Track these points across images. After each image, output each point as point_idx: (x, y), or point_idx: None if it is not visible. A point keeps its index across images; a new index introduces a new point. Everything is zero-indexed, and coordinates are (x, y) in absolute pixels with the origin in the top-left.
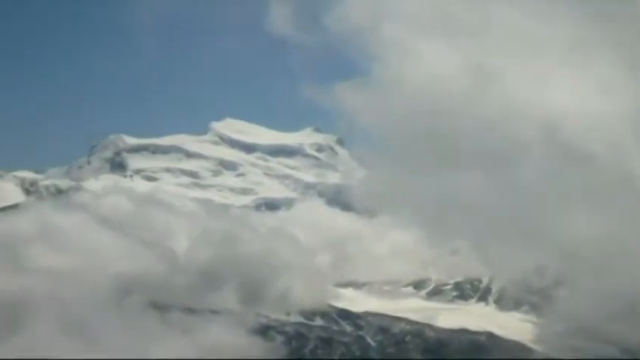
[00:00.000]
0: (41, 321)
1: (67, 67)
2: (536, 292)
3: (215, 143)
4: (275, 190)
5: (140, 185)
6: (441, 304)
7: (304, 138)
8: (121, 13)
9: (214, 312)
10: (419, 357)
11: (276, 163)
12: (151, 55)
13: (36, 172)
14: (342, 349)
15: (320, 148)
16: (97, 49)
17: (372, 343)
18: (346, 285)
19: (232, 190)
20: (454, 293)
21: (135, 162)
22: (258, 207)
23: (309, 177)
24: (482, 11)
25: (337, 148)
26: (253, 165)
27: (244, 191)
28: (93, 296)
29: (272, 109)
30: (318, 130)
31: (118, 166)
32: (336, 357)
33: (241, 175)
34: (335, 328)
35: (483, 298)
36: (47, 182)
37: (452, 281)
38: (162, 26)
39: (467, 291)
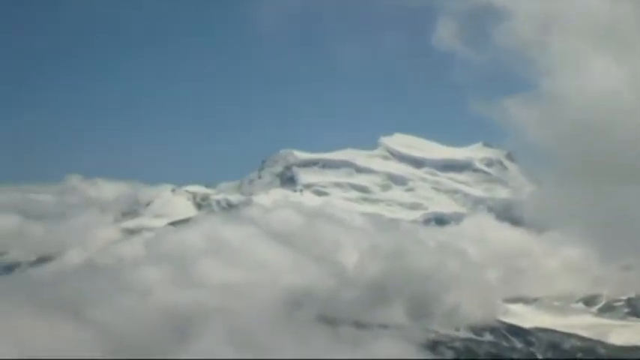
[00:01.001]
0: (211, 334)
1: (239, 83)
2: None
3: (385, 158)
4: (444, 205)
5: (310, 200)
6: (612, 320)
7: (474, 153)
8: (295, 28)
9: (383, 326)
10: None
11: (446, 178)
12: (321, 71)
13: (207, 186)
14: None
15: (490, 163)
16: (271, 65)
17: None
18: (516, 300)
19: (401, 204)
20: (626, 310)
21: (305, 176)
22: (427, 222)
23: (478, 192)
24: None
25: (507, 162)
26: (422, 180)
27: (413, 206)
28: (262, 310)
29: (441, 124)
30: (487, 144)
31: (288, 180)
32: None
33: (410, 189)
34: (504, 344)
35: None
36: (218, 196)
37: (624, 298)
38: (332, 42)
39: (639, 307)
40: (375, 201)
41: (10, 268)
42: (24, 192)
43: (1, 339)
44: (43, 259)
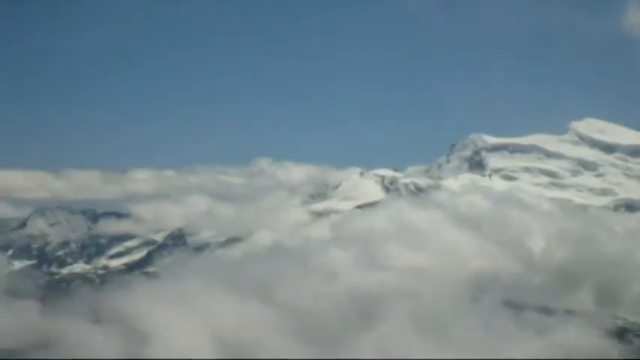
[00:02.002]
0: (395, 317)
1: (430, 67)
2: None
3: (575, 143)
4: (635, 191)
5: (498, 184)
6: None
7: None
8: (483, 10)
9: (569, 312)
10: None
11: (637, 164)
12: (510, 55)
13: (396, 170)
14: None
15: None
16: (461, 50)
17: None
18: None
19: (591, 190)
20: None
21: (494, 161)
22: (617, 208)
23: None
24: None
25: None
26: (613, 165)
27: (603, 192)
28: (447, 294)
29: (633, 109)
30: None
31: (476, 165)
32: None
33: (600, 175)
34: None
35: None
36: (406, 180)
37: None
38: (520, 27)
39: None
40: (564, 186)
41: (200, 249)
42: (215, 174)
43: (192, 317)
44: (232, 240)
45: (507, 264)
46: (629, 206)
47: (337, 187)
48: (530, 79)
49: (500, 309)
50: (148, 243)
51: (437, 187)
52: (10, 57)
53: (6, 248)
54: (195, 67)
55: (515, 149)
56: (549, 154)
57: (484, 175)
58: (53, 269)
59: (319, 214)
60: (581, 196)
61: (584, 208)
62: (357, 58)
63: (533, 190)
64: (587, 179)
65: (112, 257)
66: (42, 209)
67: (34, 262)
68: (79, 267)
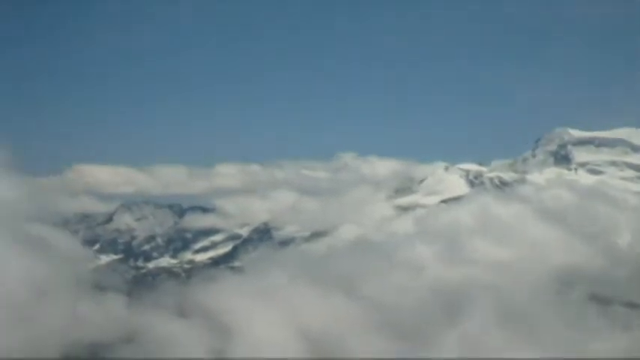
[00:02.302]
0: (480, 312)
1: (518, 61)
2: None
3: None
4: None
5: (584, 178)
6: None
7: None
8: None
9: None
10: None
11: None
12: (597, 49)
13: (481, 164)
14: None
15: None
16: (550, 44)
17: None
18: None
19: None
20: None
21: (579, 155)
22: None
23: None
24: None
25: None
26: None
27: None
28: (532, 288)
29: None
30: None
31: (562, 159)
32: None
33: None
34: None
35: None
36: (491, 174)
37: None
38: (597, 20)
39: None
40: None
41: (285, 243)
42: (300, 168)
43: (277, 311)
44: (317, 235)
45: (593, 258)
46: None
47: (422, 181)
48: (617, 72)
49: (586, 304)
50: (233, 237)
51: (522, 181)
52: (102, 55)
53: (93, 243)
54: (283, 62)
55: (601, 143)
56: (635, 148)
57: (570, 169)
58: (139, 263)
59: (404, 209)
60: None
61: None
62: (443, 53)
63: (619, 184)
64: None
65: (198, 251)
66: (128, 204)
67: (120, 256)
68: (165, 261)
